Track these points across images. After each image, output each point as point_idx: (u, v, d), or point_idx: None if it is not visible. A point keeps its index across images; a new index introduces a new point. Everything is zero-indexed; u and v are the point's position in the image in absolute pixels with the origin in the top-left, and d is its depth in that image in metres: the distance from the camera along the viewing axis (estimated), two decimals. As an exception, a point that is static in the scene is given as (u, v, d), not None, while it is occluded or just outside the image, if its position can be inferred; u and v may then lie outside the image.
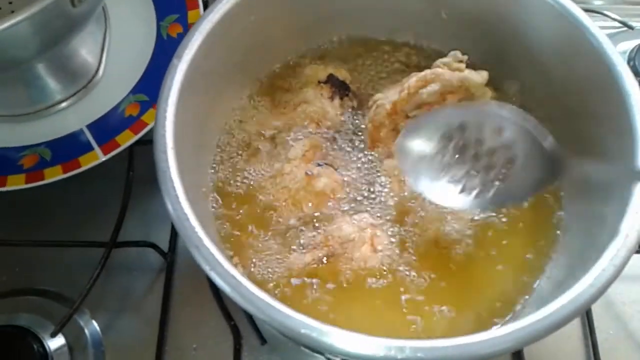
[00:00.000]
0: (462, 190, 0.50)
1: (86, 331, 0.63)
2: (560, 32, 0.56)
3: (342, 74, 0.65)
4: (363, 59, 0.68)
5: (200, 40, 0.53)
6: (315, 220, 0.57)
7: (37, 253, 0.67)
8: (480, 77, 0.58)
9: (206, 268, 0.43)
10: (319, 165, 0.59)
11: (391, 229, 0.56)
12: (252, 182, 0.59)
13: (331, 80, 0.63)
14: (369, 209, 0.57)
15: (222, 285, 0.43)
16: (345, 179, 0.59)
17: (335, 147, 0.61)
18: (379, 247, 0.55)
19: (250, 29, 0.59)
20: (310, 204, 0.57)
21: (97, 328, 0.64)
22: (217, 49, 0.55)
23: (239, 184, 0.59)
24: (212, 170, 0.60)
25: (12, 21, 0.53)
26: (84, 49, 0.73)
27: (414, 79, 0.58)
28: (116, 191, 0.67)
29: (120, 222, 0.65)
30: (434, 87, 0.57)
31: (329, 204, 0.57)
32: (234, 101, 0.63)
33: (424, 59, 0.67)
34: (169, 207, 0.45)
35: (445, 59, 0.59)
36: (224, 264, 0.43)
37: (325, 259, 0.55)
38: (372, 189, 0.58)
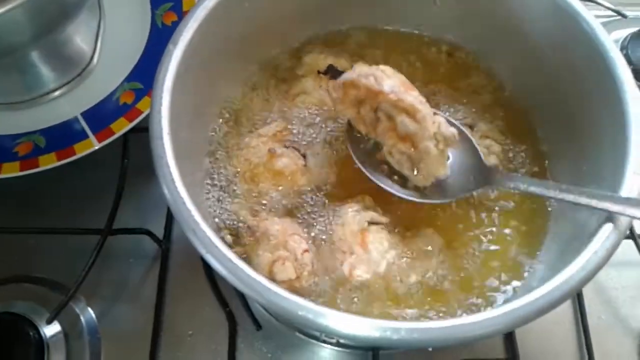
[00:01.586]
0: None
1: (82, 318, 0.64)
2: (554, 19, 0.56)
3: (342, 65, 0.64)
4: (366, 49, 0.67)
5: (196, 26, 0.53)
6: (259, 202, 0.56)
7: (33, 240, 0.67)
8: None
9: (202, 251, 0.43)
10: (285, 146, 0.58)
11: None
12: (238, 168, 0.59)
13: (331, 71, 0.63)
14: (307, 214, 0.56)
15: (218, 268, 0.43)
16: (309, 166, 0.58)
17: (312, 134, 0.60)
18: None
19: (245, 15, 0.59)
20: (265, 182, 0.57)
21: (93, 315, 0.64)
22: (213, 35, 0.55)
23: (230, 172, 0.59)
24: (208, 158, 0.60)
25: (6, 7, 0.53)
26: (78, 36, 0.73)
27: (415, 94, 0.53)
28: (111, 179, 0.67)
29: (115, 210, 0.65)
30: (411, 125, 0.52)
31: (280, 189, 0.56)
32: (230, 88, 0.63)
33: (423, 45, 0.68)
34: (165, 191, 0.45)
35: (445, 132, 0.53)
36: (220, 247, 0.43)
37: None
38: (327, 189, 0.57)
